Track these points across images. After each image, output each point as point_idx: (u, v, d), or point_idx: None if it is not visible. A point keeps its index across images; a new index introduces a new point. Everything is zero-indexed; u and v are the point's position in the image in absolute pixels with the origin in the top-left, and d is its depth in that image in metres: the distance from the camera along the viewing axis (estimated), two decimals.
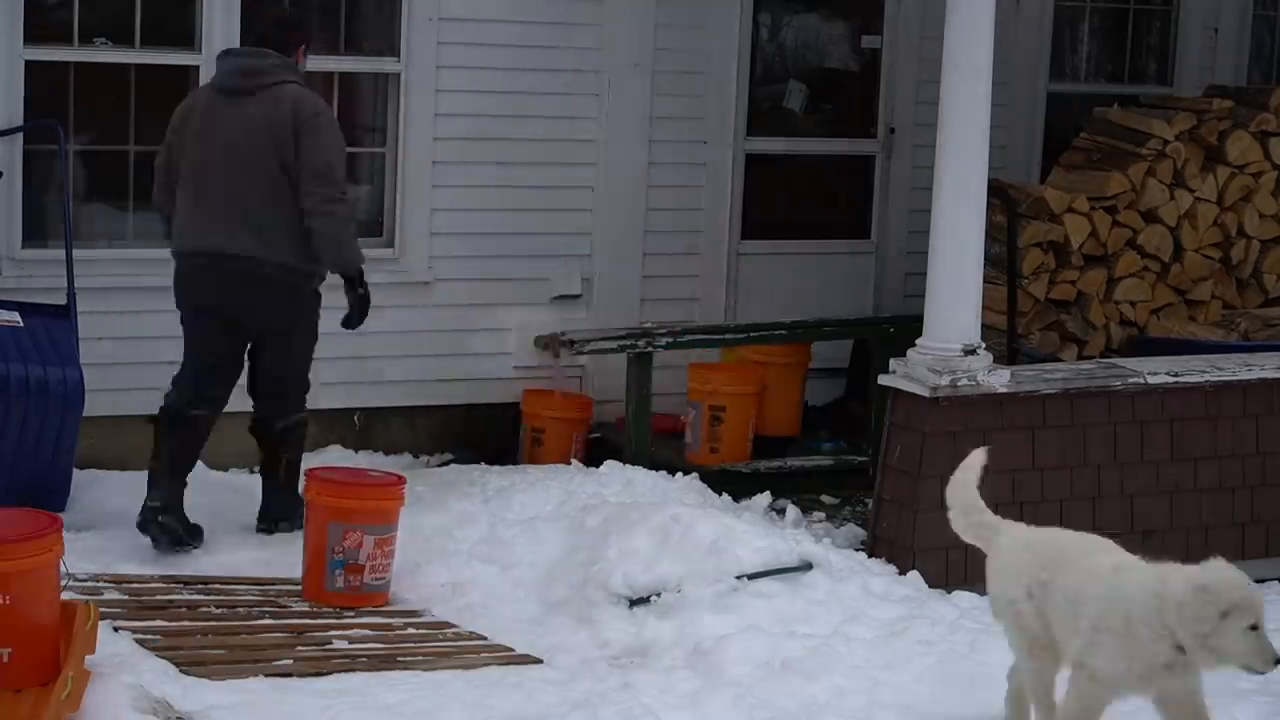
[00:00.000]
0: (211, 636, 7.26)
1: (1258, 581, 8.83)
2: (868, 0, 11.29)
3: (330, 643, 7.29)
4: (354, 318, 8.60)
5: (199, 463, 9.31)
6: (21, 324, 8.67)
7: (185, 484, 8.41)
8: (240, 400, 9.80)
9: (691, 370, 10.27)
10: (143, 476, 8.34)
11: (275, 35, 8.57)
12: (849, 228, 11.47)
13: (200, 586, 7.88)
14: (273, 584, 8.03)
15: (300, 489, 8.43)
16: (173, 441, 8.40)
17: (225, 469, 9.72)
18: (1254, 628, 5.87)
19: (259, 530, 8.65)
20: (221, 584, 7.96)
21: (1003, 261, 10.07)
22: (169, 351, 9.59)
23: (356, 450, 10.09)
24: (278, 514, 8.65)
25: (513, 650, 7.34)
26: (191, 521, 8.35)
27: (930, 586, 8.11)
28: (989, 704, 6.90)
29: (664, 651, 7.23)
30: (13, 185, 9.37)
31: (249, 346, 8.61)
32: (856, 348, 10.85)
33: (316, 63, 9.94)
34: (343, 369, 10.04)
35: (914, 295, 10.09)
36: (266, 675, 6.80)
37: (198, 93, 8.69)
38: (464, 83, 10.17)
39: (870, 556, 8.42)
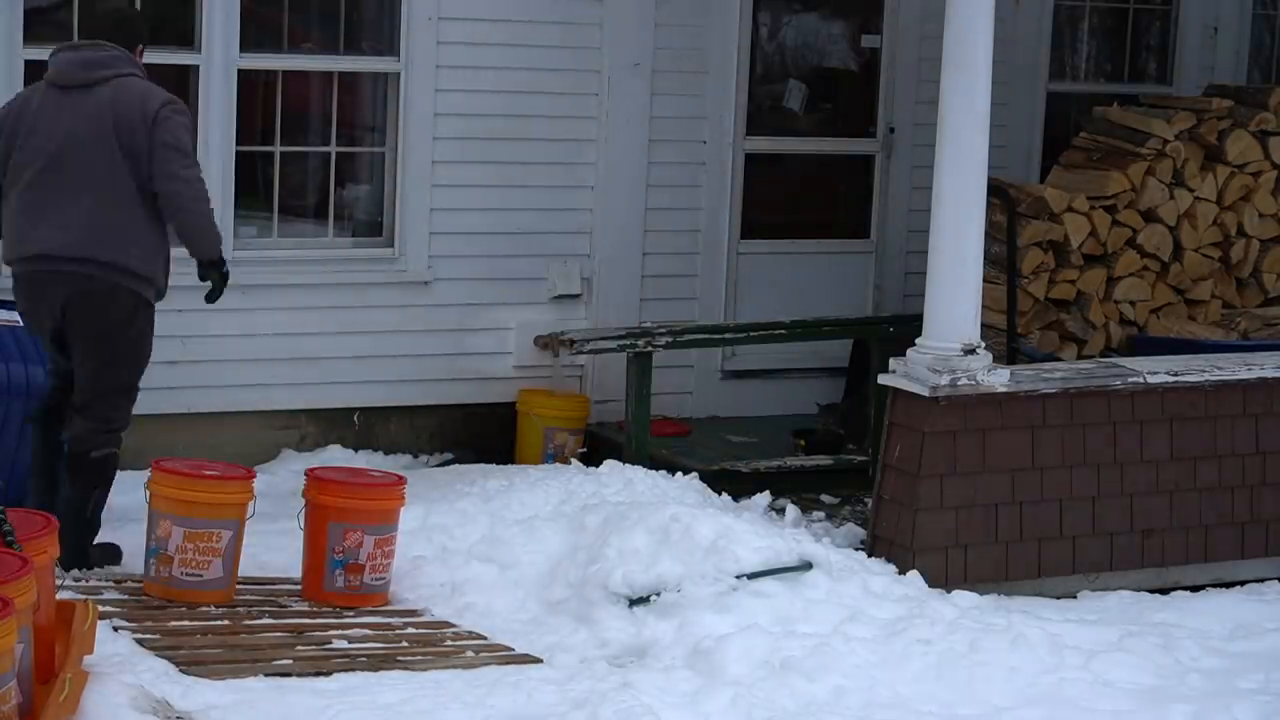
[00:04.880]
0: (211, 636, 7.26)
1: (1257, 581, 8.92)
2: (867, 0, 11.29)
3: (330, 642, 7.29)
4: (214, 295, 8.16)
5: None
6: (22, 324, 8.67)
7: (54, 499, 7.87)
8: (251, 399, 9.83)
9: None
10: (142, 476, 8.33)
11: (114, 31, 8.03)
12: (848, 227, 11.46)
13: None
14: (273, 584, 8.03)
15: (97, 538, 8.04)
16: (43, 453, 8.04)
17: None
18: None
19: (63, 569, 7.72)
20: None
21: (1002, 261, 10.07)
22: (168, 349, 9.62)
23: (356, 450, 10.09)
24: (83, 559, 7.87)
25: (512, 650, 7.34)
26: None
27: (930, 586, 8.11)
28: (988, 703, 6.91)
29: (664, 651, 7.23)
30: None
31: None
32: (856, 347, 10.85)
33: (317, 62, 9.97)
34: (343, 369, 10.04)
35: (914, 295, 10.10)
36: (266, 675, 6.80)
37: (31, 89, 8.13)
38: (464, 83, 10.16)
39: (870, 556, 8.42)
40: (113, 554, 8.05)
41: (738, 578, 7.63)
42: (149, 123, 7.75)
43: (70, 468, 7.91)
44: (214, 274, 8.06)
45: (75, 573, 7.81)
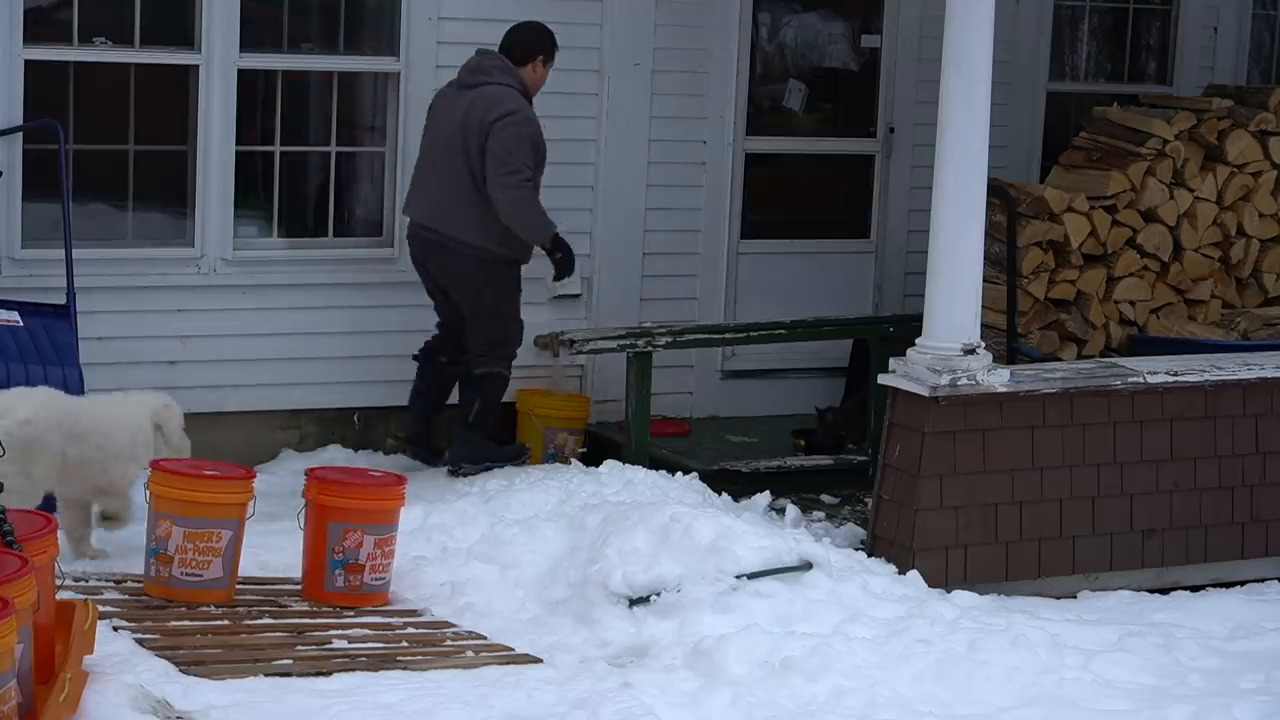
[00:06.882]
0: (211, 636, 7.26)
1: (1257, 581, 8.92)
2: (867, 0, 11.29)
3: (330, 642, 7.29)
4: (559, 274, 9.63)
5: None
6: (21, 324, 8.67)
7: (429, 421, 9.79)
8: (251, 399, 9.83)
9: None
10: (142, 476, 8.35)
11: (513, 43, 9.56)
12: (848, 227, 11.46)
13: None
14: (273, 584, 8.03)
15: (494, 446, 9.66)
16: (420, 382, 9.73)
17: None
18: None
19: (449, 473, 9.57)
20: None
21: (1002, 261, 10.07)
22: (168, 349, 9.63)
23: (356, 450, 10.08)
24: (459, 454, 9.56)
25: (512, 650, 7.34)
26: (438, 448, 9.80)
27: (930, 586, 8.11)
28: (988, 703, 6.91)
29: (664, 651, 7.22)
30: (13, 185, 9.36)
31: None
32: (856, 347, 10.85)
33: (317, 62, 9.97)
34: (343, 369, 10.04)
35: (914, 295, 10.09)
36: (266, 675, 6.80)
37: (446, 85, 9.62)
38: None
39: (870, 556, 8.42)
40: (513, 453, 9.73)
41: (738, 578, 7.63)
42: (485, 129, 9.25)
43: (478, 385, 9.59)
44: (552, 258, 9.51)
45: (76, 572, 7.82)
